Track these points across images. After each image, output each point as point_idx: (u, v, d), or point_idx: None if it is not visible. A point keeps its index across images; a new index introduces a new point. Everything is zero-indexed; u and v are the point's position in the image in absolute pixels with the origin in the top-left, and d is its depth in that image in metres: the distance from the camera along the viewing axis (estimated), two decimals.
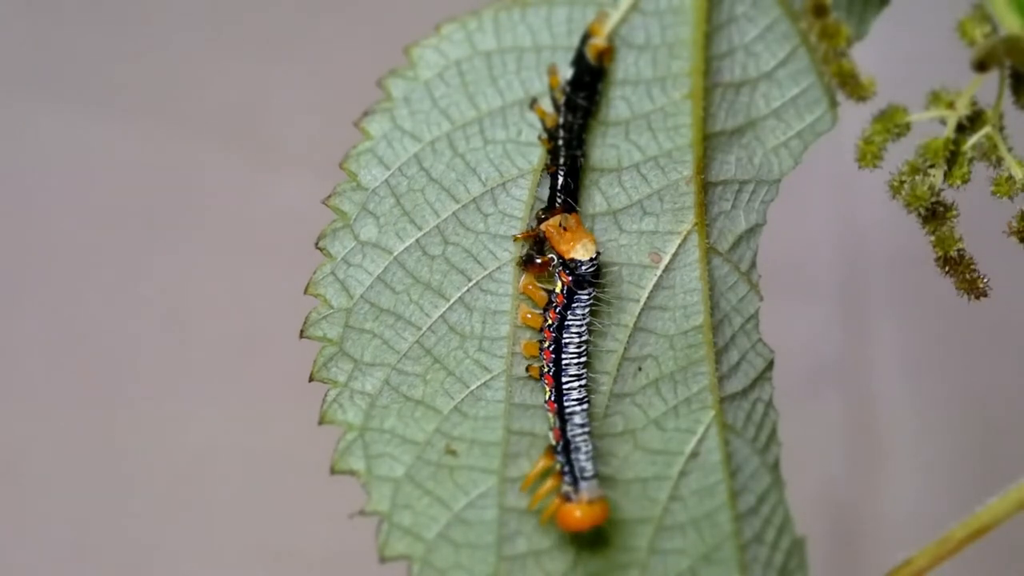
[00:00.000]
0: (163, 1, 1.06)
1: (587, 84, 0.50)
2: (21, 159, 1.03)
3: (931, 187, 0.48)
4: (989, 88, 0.48)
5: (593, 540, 0.53)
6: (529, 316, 0.50)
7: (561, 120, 0.50)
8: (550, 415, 0.50)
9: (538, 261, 0.50)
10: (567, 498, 0.51)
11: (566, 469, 0.50)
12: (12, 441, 1.01)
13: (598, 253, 0.49)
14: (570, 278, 0.49)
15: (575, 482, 0.50)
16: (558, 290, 0.50)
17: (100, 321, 1.04)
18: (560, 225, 0.49)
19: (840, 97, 0.51)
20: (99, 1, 1.05)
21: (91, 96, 1.04)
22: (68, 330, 1.04)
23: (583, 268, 0.49)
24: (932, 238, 0.49)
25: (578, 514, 0.50)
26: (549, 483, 0.51)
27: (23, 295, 1.03)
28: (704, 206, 0.51)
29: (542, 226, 0.49)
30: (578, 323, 0.50)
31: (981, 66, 0.45)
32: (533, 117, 0.50)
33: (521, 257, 0.50)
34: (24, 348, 1.03)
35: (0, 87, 1.03)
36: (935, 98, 0.49)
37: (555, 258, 0.49)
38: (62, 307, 1.04)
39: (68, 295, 1.04)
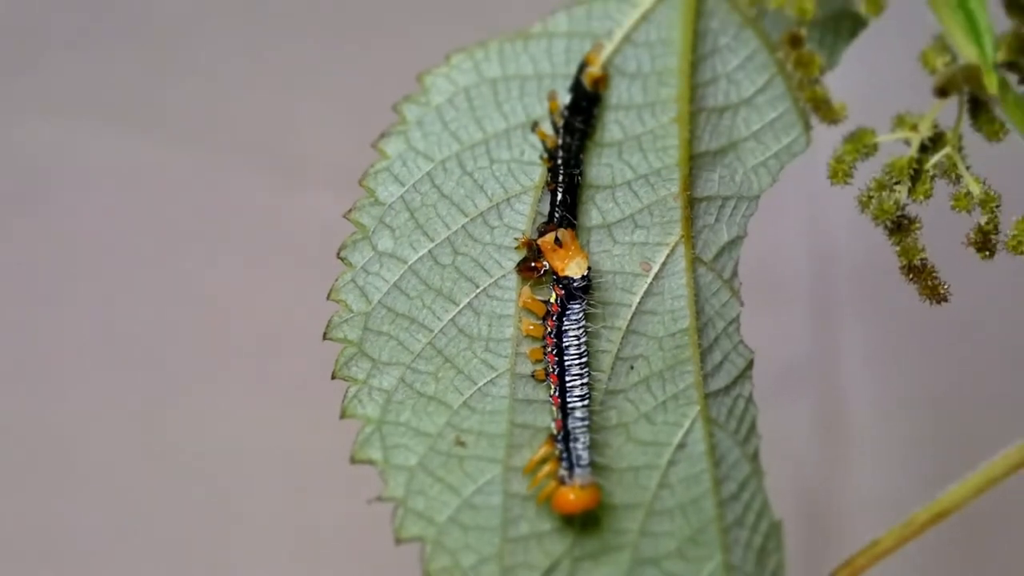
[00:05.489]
0: (202, 37, 1.06)
1: (584, 108, 0.50)
2: (73, 176, 1.03)
3: (896, 202, 0.48)
4: (949, 112, 0.48)
5: (589, 524, 0.52)
6: (531, 327, 0.50)
7: (560, 141, 0.49)
8: (554, 408, 0.50)
9: (533, 265, 0.49)
10: (562, 482, 0.50)
11: (564, 456, 0.50)
12: (58, 432, 1.01)
13: (589, 269, 0.49)
14: (562, 292, 0.49)
15: (571, 468, 0.50)
16: (552, 300, 0.49)
17: (142, 324, 1.04)
18: (555, 240, 0.49)
19: (813, 120, 0.51)
20: (145, 36, 1.05)
21: (137, 120, 1.04)
22: (114, 332, 1.04)
23: (575, 284, 0.49)
24: (897, 248, 0.49)
25: (572, 497, 0.50)
26: (547, 467, 0.51)
27: (72, 300, 1.03)
28: (690, 220, 0.51)
29: (538, 242, 0.49)
30: (575, 328, 0.49)
31: (942, 92, 0.45)
32: (535, 139, 0.50)
33: (519, 262, 0.50)
34: (71, 349, 1.03)
35: (56, 111, 1.04)
36: (900, 121, 0.49)
37: (549, 270, 0.49)
38: (109, 311, 1.04)
39: (114, 301, 1.04)
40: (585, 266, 0.49)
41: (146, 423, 1.03)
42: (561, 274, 0.49)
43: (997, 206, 0.48)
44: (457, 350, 0.50)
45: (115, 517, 1.02)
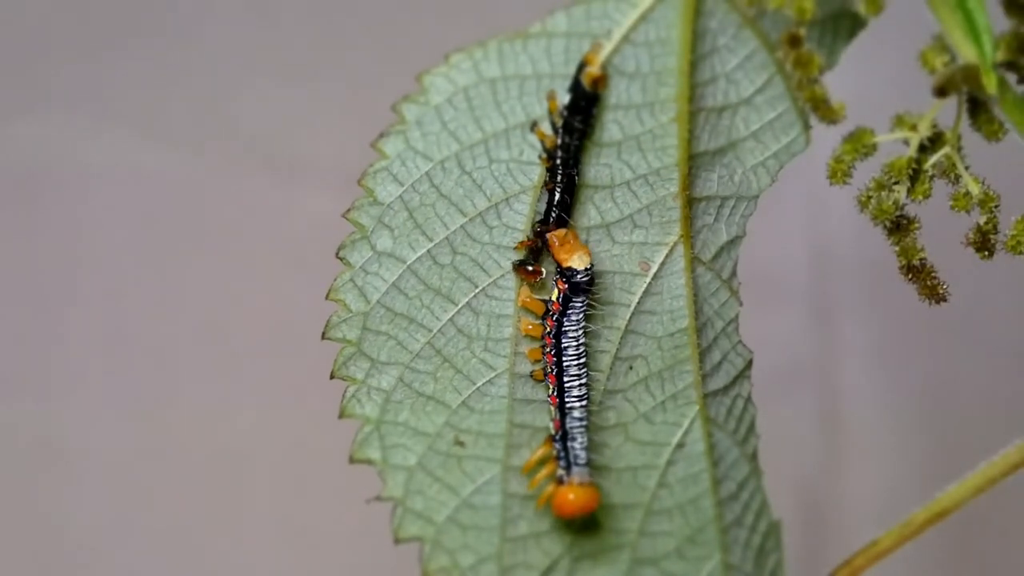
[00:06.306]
0: (202, 37, 1.06)
1: (583, 108, 0.50)
2: (73, 176, 1.03)
3: (896, 202, 0.48)
4: (948, 112, 0.48)
5: (588, 523, 0.52)
6: (530, 327, 0.50)
7: (559, 141, 0.49)
8: (552, 408, 0.50)
9: (530, 268, 0.49)
10: (560, 481, 0.50)
11: (562, 455, 0.50)
12: (58, 432, 1.01)
13: (592, 264, 0.49)
14: (566, 285, 0.49)
15: (568, 467, 0.50)
16: (554, 297, 0.49)
17: (142, 323, 1.04)
18: (563, 238, 0.49)
19: (812, 120, 0.51)
20: (146, 36, 1.05)
21: (137, 120, 1.04)
22: (113, 332, 1.04)
23: (578, 276, 0.49)
24: (896, 248, 0.49)
25: (571, 496, 0.50)
26: (546, 469, 0.51)
27: (72, 300, 1.03)
28: (689, 220, 0.51)
29: (547, 234, 0.49)
30: (574, 328, 0.49)
31: (941, 92, 0.45)
32: (534, 138, 0.50)
33: (515, 263, 0.50)
34: (70, 348, 1.03)
35: (56, 111, 1.04)
36: (899, 121, 0.49)
37: (555, 266, 0.49)
38: (108, 311, 1.04)
39: (113, 300, 1.04)
40: (588, 260, 0.49)
41: (146, 422, 1.03)
42: (565, 265, 0.49)
43: (996, 206, 0.48)
44: (456, 350, 0.50)
45: (115, 516, 1.02)
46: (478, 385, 0.51)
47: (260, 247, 1.06)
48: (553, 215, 0.49)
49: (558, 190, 0.49)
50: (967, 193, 0.48)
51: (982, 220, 0.48)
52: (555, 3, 0.50)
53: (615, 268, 0.51)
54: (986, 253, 0.48)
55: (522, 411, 0.51)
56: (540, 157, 0.50)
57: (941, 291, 0.49)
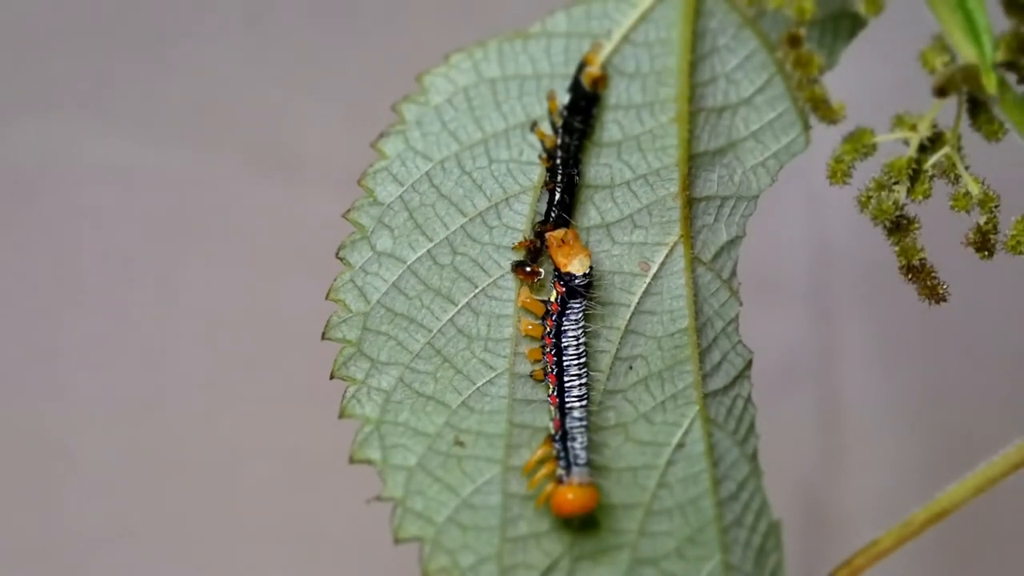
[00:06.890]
0: (202, 37, 1.06)
1: (583, 108, 0.50)
2: (72, 176, 1.03)
3: (895, 202, 0.48)
4: (948, 112, 0.48)
5: (588, 523, 0.52)
6: (530, 327, 0.50)
7: (559, 141, 0.49)
8: (552, 408, 0.50)
9: (528, 269, 0.49)
10: (560, 481, 0.50)
11: (562, 455, 0.50)
12: (58, 432, 1.01)
13: (591, 268, 0.49)
14: (564, 288, 0.49)
15: (568, 467, 0.50)
16: (552, 299, 0.49)
17: (141, 323, 1.04)
18: (562, 239, 0.49)
19: (812, 120, 0.51)
20: (145, 35, 1.05)
21: (137, 119, 1.04)
22: (113, 332, 1.04)
23: (576, 281, 0.49)
24: (896, 248, 0.49)
25: (570, 496, 0.50)
26: (546, 469, 0.51)
27: (71, 300, 1.03)
28: (689, 220, 0.51)
29: (547, 234, 0.49)
30: (574, 328, 0.49)
31: (941, 92, 0.45)
32: (534, 138, 0.50)
33: (514, 264, 0.50)
34: (70, 348, 1.03)
35: (55, 113, 1.04)
36: (899, 121, 0.49)
37: (552, 269, 0.49)
38: (108, 311, 1.04)
39: (113, 300, 1.04)
40: (587, 264, 0.49)
41: (145, 423, 1.03)
42: (564, 270, 0.49)
43: (996, 206, 0.48)
44: (456, 350, 0.50)
45: (114, 517, 1.02)
46: (478, 385, 0.51)
47: (260, 247, 1.06)
48: (553, 215, 0.49)
49: (558, 190, 0.49)
50: (967, 193, 0.48)
51: (982, 220, 0.48)
52: (555, 3, 0.50)
53: (615, 268, 0.51)
54: (986, 253, 0.48)
55: (522, 411, 0.51)
56: (540, 157, 0.50)
57: (941, 291, 0.49)
